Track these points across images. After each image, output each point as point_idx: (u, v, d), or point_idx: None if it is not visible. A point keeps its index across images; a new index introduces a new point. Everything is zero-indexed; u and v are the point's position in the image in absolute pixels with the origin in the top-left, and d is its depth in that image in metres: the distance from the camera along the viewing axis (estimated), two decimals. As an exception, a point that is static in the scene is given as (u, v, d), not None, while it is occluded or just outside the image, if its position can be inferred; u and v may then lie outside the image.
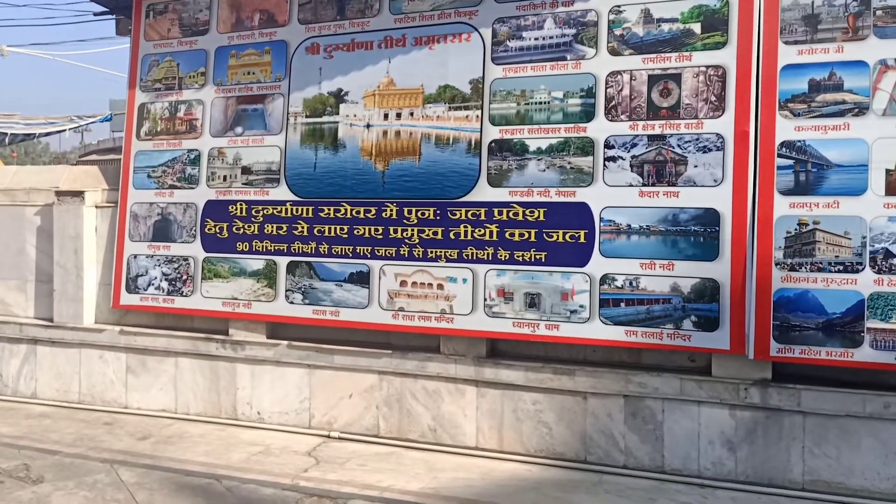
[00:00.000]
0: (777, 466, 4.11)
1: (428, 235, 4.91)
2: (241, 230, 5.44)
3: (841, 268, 4.04)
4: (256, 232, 5.39)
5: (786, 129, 4.20)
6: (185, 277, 5.61)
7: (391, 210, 5.02)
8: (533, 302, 4.64)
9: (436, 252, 4.88)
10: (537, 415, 4.62)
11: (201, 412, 5.56)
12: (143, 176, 5.84)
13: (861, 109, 4.07)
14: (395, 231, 4.99)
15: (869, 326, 3.95)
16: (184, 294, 5.61)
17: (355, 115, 5.24)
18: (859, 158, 4.05)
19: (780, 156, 4.20)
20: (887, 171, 3.99)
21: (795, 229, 4.14)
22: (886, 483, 3.91)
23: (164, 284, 5.67)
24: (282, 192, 5.34)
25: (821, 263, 4.07)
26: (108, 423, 5.56)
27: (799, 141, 4.17)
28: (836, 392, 4.00)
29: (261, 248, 5.38)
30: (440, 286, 4.87)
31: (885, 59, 4.04)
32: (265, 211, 5.38)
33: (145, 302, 5.74)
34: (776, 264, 4.14)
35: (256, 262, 5.39)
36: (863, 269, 3.99)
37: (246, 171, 5.50)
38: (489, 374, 4.71)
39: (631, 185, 4.47)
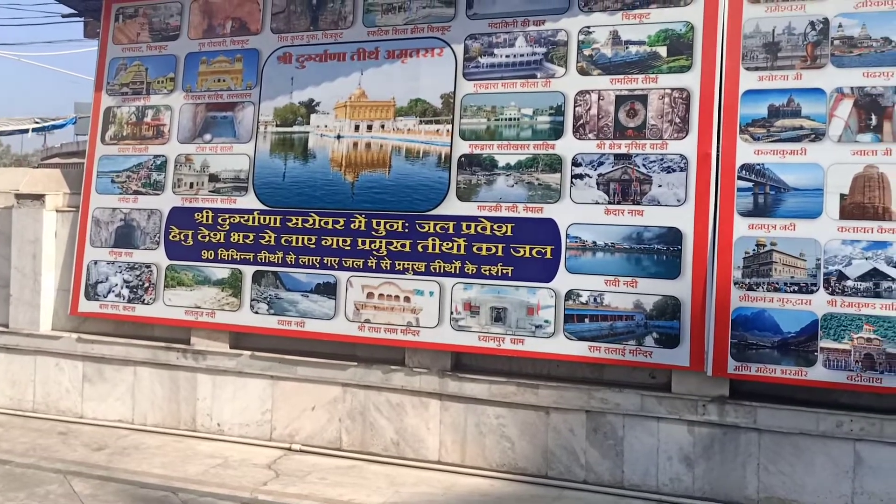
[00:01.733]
0: (733, 483, 4.24)
1: (396, 248, 4.97)
2: (207, 238, 5.44)
3: (796, 288, 4.20)
4: (222, 240, 5.39)
5: (746, 152, 4.36)
6: (146, 285, 5.57)
7: (360, 221, 5.07)
8: (499, 316, 4.72)
9: (403, 264, 4.94)
10: (500, 429, 4.69)
11: (159, 423, 5.50)
12: (106, 181, 5.80)
13: (818, 135, 4.25)
14: (364, 242, 5.04)
15: (822, 346, 4.11)
16: (145, 302, 5.57)
17: (326, 126, 5.29)
18: (815, 183, 4.23)
19: (740, 178, 4.36)
20: (841, 195, 4.17)
21: (754, 250, 4.30)
22: (838, 501, 4.06)
23: (125, 292, 5.62)
24: (249, 201, 5.35)
25: (777, 284, 4.23)
26: (63, 432, 5.48)
27: (758, 164, 4.34)
28: (790, 410, 4.15)
29: (226, 257, 5.37)
30: (407, 299, 4.92)
31: (842, 88, 4.24)
32: (232, 219, 5.38)
33: (105, 309, 5.68)
34: (735, 284, 4.28)
35: (221, 271, 5.38)
36: (817, 290, 4.15)
37: (213, 178, 5.50)
38: (453, 387, 4.77)
39: (597, 203, 4.59)
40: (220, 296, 5.37)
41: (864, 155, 4.16)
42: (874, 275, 4.08)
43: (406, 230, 4.95)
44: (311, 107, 5.34)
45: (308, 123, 5.32)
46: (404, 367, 4.89)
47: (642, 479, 4.39)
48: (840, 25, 4.28)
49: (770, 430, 4.17)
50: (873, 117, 4.18)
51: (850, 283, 4.11)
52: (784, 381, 4.16)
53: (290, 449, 5.11)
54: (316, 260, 5.14)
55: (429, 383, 4.82)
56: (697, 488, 4.29)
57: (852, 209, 4.15)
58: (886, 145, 4.13)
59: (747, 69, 4.40)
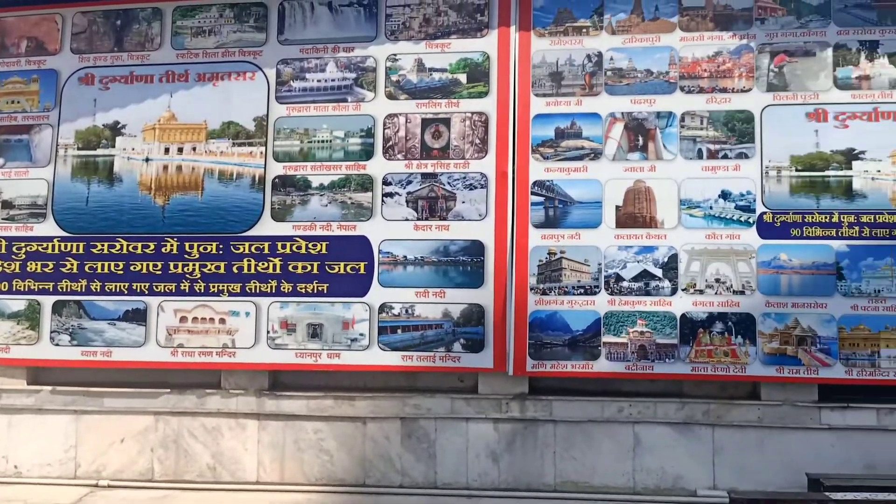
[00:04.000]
0: (534, 472, 5.06)
1: (210, 270, 5.46)
2: (1, 269, 5.63)
3: (582, 291, 5.18)
4: (18, 270, 5.57)
5: (537, 170, 5.32)
6: (-72, 322, 5.62)
7: (171, 245, 5.51)
8: (315, 332, 5.34)
9: (218, 286, 5.43)
10: (319, 443, 5.25)
11: (-56, 473, 5.52)
12: None
13: (596, 154, 5.32)
14: (176, 266, 5.47)
15: (605, 341, 5.09)
16: (-73, 341, 5.61)
17: (133, 149, 5.70)
18: (595, 196, 5.27)
19: (533, 193, 5.31)
20: (617, 207, 5.22)
21: (546, 258, 5.25)
22: (622, 479, 5.00)
23: None
24: (48, 228, 5.59)
25: (566, 287, 5.19)
26: None
27: (548, 181, 5.33)
28: (580, 401, 5.05)
29: (23, 288, 5.55)
30: (222, 320, 5.41)
31: (614, 112, 5.33)
32: (28, 247, 5.58)
33: None
34: (531, 289, 5.20)
35: (17, 303, 5.54)
36: (599, 291, 5.16)
37: (7, 205, 5.67)
38: (271, 406, 5.29)
39: (407, 220, 5.36)
40: (15, 329, 5.54)
41: (634, 171, 5.23)
42: (644, 275, 5.15)
43: (220, 252, 5.45)
44: (116, 129, 5.73)
45: (114, 146, 5.68)
46: (221, 390, 5.32)
47: (454, 477, 5.12)
48: (612, 58, 5.39)
49: (564, 420, 5.07)
50: (640, 138, 5.31)
51: (625, 283, 5.15)
52: (574, 375, 5.09)
53: (97, 485, 5.33)
54: (124, 286, 5.49)
55: (246, 404, 5.31)
56: (503, 480, 5.09)
57: (625, 219, 5.20)
58: (651, 162, 5.25)
59: (536, 95, 5.39)
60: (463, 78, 5.47)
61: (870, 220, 4.92)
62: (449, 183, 5.37)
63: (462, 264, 5.27)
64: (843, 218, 4.94)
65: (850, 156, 5.00)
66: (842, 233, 4.93)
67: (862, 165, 4.98)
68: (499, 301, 5.15)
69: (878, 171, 4.97)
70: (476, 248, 5.25)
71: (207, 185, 5.58)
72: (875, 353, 4.84)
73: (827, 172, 5.01)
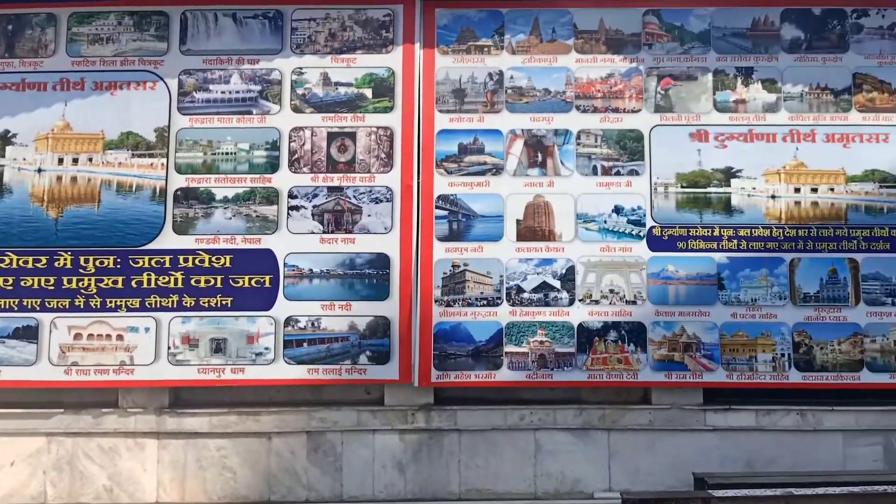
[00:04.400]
0: (439, 481, 5.29)
1: (107, 285, 5.45)
2: None
3: (485, 302, 5.49)
4: None
5: (442, 184, 5.61)
6: None
7: (65, 259, 5.47)
8: (219, 347, 5.42)
9: (116, 302, 5.43)
10: (222, 461, 5.32)
11: None
12: None
13: (498, 170, 5.65)
14: (70, 281, 5.44)
15: (506, 351, 5.40)
16: None
17: (24, 159, 5.63)
18: (497, 210, 5.59)
19: (437, 207, 5.58)
20: (517, 220, 5.55)
21: (450, 270, 5.52)
22: (523, 484, 5.31)
23: None
24: (-69, 242, 5.48)
25: (470, 299, 5.48)
26: None
27: (452, 195, 5.61)
28: (483, 409, 5.33)
29: None
30: (120, 337, 5.41)
31: (515, 129, 5.67)
32: None
33: None
34: (436, 301, 5.45)
35: None
36: (501, 302, 5.47)
37: None
38: (172, 424, 5.32)
39: (312, 233, 5.53)
40: None
41: (534, 186, 5.57)
42: (544, 287, 5.50)
43: (118, 266, 5.45)
44: (6, 139, 5.63)
45: (3, 156, 5.58)
46: (118, 409, 5.32)
47: (360, 489, 5.30)
48: (512, 77, 5.73)
49: (468, 429, 5.33)
50: (539, 155, 5.67)
51: (526, 295, 5.48)
52: (477, 385, 5.36)
53: (-18, 512, 5.26)
54: (14, 302, 5.41)
55: (145, 423, 5.33)
56: (409, 491, 5.31)
57: (526, 232, 5.54)
58: (549, 178, 5.62)
59: (440, 111, 5.67)
60: (368, 93, 5.70)
61: (747, 233, 5.44)
62: (355, 196, 5.57)
63: (368, 277, 5.47)
64: (723, 232, 5.44)
65: (728, 174, 5.52)
66: (722, 245, 5.43)
67: (739, 183, 5.51)
68: (404, 313, 5.38)
69: (754, 188, 5.51)
70: (382, 260, 5.47)
71: (105, 197, 5.58)
72: (752, 358, 5.35)
73: (709, 189, 5.50)
